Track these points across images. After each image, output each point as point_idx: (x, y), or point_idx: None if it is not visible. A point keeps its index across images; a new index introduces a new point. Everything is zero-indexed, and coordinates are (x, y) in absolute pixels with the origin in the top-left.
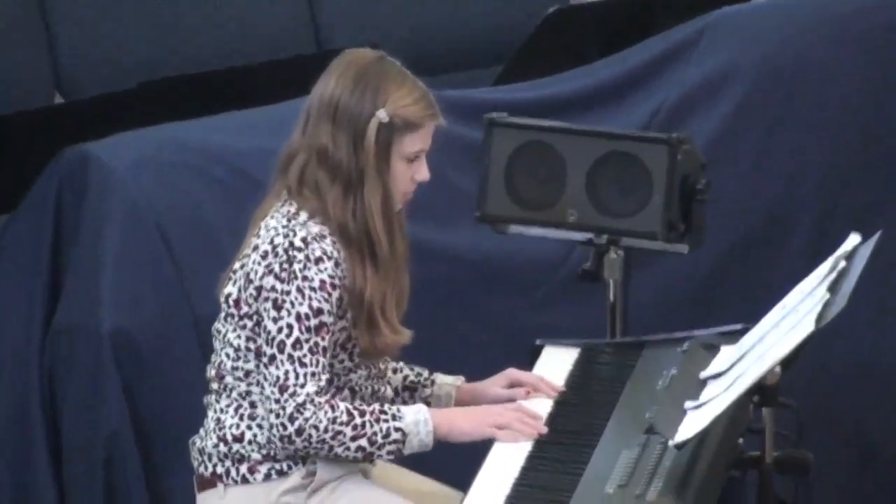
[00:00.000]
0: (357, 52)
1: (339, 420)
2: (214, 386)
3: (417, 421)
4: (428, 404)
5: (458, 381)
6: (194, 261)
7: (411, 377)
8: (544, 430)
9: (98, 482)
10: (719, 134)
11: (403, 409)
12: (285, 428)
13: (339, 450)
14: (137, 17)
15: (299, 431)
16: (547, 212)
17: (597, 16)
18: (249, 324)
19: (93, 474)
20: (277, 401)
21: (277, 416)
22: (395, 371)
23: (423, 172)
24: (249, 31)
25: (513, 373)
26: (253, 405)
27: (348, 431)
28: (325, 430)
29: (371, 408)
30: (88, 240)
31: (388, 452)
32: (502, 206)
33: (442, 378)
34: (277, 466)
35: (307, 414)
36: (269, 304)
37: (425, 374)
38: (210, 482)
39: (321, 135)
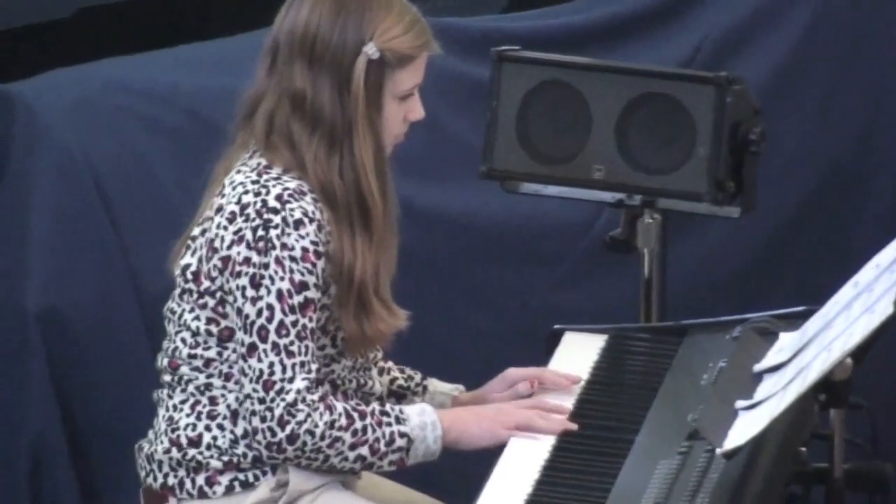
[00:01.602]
0: None
1: (337, 424)
2: (166, 378)
3: (424, 424)
4: None
5: (455, 390)
6: (140, 225)
7: (400, 380)
8: (573, 425)
9: (21, 496)
10: (777, 72)
11: (406, 409)
12: (274, 434)
13: (335, 460)
14: None
15: (291, 438)
16: (568, 167)
17: None
18: (211, 302)
19: (15, 486)
20: (262, 400)
21: (263, 419)
22: (381, 372)
23: (417, 110)
24: None
25: (512, 373)
26: (213, 401)
27: (347, 438)
28: (322, 437)
29: (370, 408)
30: (12, 199)
31: (391, 463)
32: (513, 160)
33: (436, 385)
34: (241, 476)
35: (300, 416)
36: (244, 281)
37: (417, 377)
38: (160, 496)
39: (295, 77)
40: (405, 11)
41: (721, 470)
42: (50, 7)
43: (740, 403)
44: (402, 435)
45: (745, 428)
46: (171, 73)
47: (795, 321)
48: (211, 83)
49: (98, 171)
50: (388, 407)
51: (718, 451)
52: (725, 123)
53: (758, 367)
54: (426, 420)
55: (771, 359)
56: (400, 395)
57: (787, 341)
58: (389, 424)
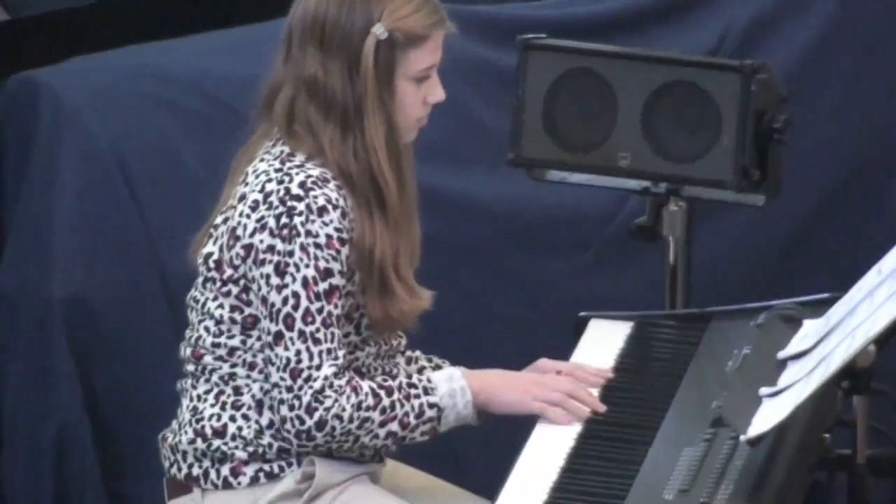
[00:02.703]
0: None
1: (364, 404)
2: (190, 368)
3: (453, 391)
4: None
5: None
6: (165, 212)
7: (428, 369)
8: (602, 407)
9: (46, 484)
10: (803, 60)
11: (434, 377)
12: (303, 422)
13: (365, 439)
14: None
15: (320, 425)
16: (594, 154)
17: None
18: (235, 290)
19: (39, 474)
20: (290, 388)
21: (292, 407)
22: (409, 361)
23: (437, 92)
24: None
25: (545, 364)
26: (237, 391)
27: (376, 416)
28: (351, 420)
29: (398, 382)
30: (37, 186)
31: (423, 434)
32: (540, 147)
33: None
34: (267, 468)
35: (328, 403)
36: (269, 269)
37: (445, 365)
38: (184, 486)
39: (308, 62)
40: None
41: (745, 457)
42: None
43: (764, 390)
44: (431, 406)
45: (769, 415)
46: (196, 60)
47: (820, 308)
48: (236, 70)
49: (123, 157)
50: (415, 378)
51: (743, 438)
52: (750, 111)
53: (782, 354)
54: (454, 387)
55: (795, 346)
56: None
57: (811, 328)
58: (418, 396)
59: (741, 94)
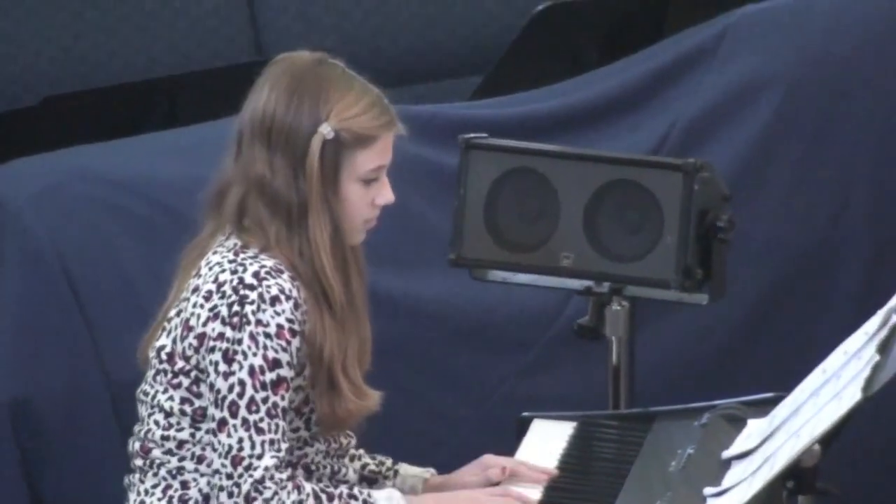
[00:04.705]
0: (292, 56)
1: None
2: (138, 462)
3: None
4: None
5: (426, 472)
6: (108, 314)
7: (371, 465)
8: None
9: None
10: (745, 159)
11: (375, 494)
12: None
13: None
14: (42, 17)
15: None
16: (536, 254)
17: (596, 14)
18: (186, 381)
19: None
20: (230, 476)
21: (230, 494)
22: (352, 458)
23: (385, 194)
24: (174, 34)
25: (489, 459)
26: (185, 485)
27: None
28: None
29: (339, 490)
30: None
31: None
32: (481, 247)
33: (407, 469)
34: None
35: (267, 494)
36: (217, 356)
37: (388, 462)
38: None
39: (256, 161)
40: (365, 92)
41: None
42: (16, 95)
43: (709, 490)
44: None
45: None
46: (139, 162)
47: (764, 408)
48: (178, 172)
49: (66, 258)
50: (356, 490)
51: None
52: (693, 210)
53: (726, 454)
54: None
55: (739, 445)
56: (371, 479)
57: (755, 428)
58: None
59: (684, 193)
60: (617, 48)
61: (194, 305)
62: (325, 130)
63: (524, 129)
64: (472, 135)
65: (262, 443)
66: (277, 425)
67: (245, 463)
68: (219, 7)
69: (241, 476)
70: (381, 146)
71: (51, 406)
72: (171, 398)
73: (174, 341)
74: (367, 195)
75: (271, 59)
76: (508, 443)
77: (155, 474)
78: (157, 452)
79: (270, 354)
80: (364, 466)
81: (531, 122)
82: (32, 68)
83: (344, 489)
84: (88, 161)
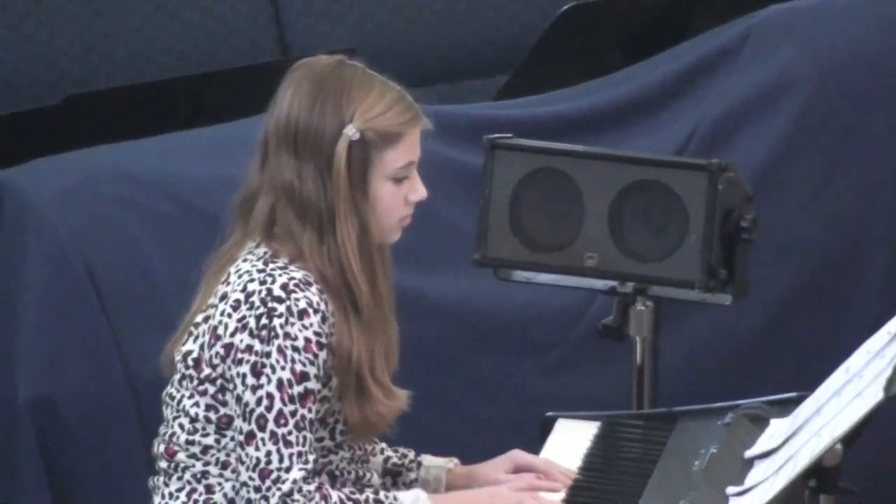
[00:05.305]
0: (311, 61)
1: None
2: (162, 465)
3: None
4: None
5: (449, 463)
6: (131, 313)
7: (394, 459)
8: None
9: None
10: (769, 159)
11: (400, 495)
12: None
13: None
14: (66, 16)
15: None
16: (560, 254)
17: (622, 15)
18: (211, 389)
19: None
20: (258, 489)
21: None
22: (374, 454)
23: (418, 190)
24: (198, 33)
25: (518, 455)
26: (209, 489)
27: None
28: None
29: (364, 496)
30: (3, 286)
31: None
32: (506, 248)
33: (430, 460)
34: None
35: None
36: (245, 369)
37: (411, 455)
38: None
39: (284, 169)
40: (387, 89)
41: None
42: (40, 94)
43: (731, 490)
44: None
45: None
46: (163, 161)
47: (787, 407)
48: (203, 171)
49: (89, 258)
50: (381, 495)
51: None
52: (717, 210)
53: (749, 454)
54: None
55: (762, 445)
56: (395, 472)
57: (778, 427)
58: None
59: (708, 194)
60: (641, 49)
61: (222, 314)
62: (350, 132)
63: (549, 129)
64: (496, 135)
65: (291, 455)
66: (305, 437)
67: (273, 476)
68: (243, 6)
69: (269, 489)
70: (409, 142)
71: (74, 404)
72: (196, 404)
73: (201, 348)
74: (399, 193)
75: (295, 59)
76: (532, 443)
77: (179, 478)
78: (181, 456)
79: (298, 368)
80: (387, 460)
81: (555, 122)
82: (56, 67)
83: (370, 494)
84: (112, 160)
